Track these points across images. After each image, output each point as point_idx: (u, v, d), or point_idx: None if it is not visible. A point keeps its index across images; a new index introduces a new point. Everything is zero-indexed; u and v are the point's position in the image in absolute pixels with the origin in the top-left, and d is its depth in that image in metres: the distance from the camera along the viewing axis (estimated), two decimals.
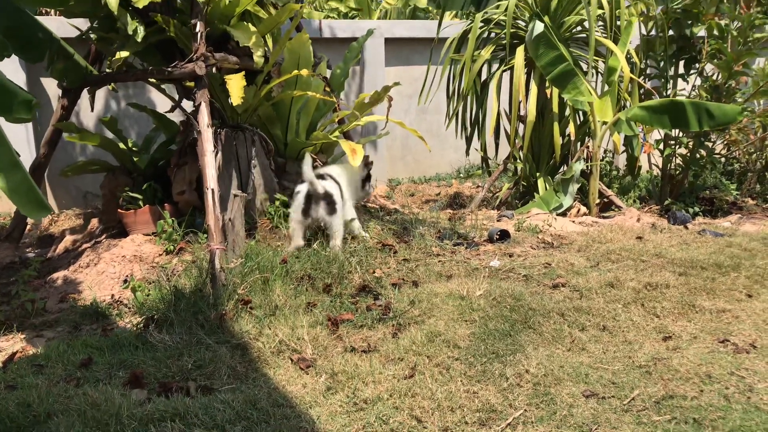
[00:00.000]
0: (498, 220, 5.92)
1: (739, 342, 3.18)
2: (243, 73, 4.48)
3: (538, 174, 6.57)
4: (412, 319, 3.49)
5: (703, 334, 3.28)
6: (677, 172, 6.79)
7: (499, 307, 3.55)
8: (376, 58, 8.11)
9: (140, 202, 4.97)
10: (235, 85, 4.28)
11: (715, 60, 6.36)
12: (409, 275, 4.17)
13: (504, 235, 4.99)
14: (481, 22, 6.58)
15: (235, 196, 4.02)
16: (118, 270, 4.37)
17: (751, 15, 5.82)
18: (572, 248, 4.76)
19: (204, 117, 4.19)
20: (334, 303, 3.69)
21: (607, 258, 4.38)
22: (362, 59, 8.03)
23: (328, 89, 4.92)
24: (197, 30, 4.32)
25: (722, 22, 6.35)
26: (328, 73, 5.95)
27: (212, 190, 4.01)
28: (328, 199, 4.34)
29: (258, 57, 4.40)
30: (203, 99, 4.22)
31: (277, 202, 4.88)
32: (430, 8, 10.12)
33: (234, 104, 4.21)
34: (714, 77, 6.44)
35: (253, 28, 4.57)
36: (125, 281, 4.21)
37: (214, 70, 4.49)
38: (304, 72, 4.69)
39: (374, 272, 4.19)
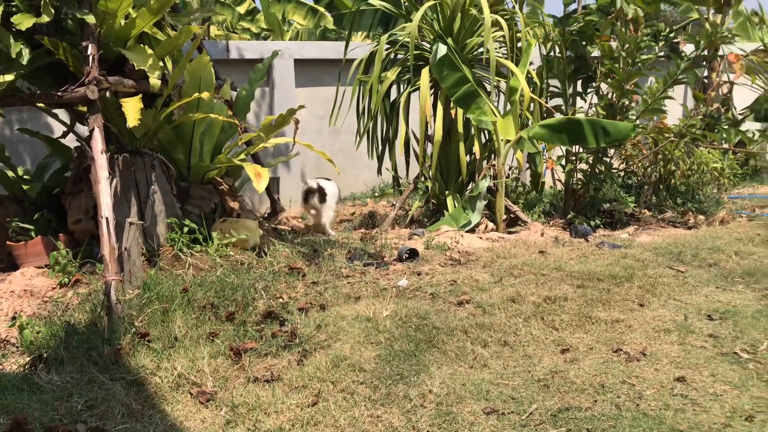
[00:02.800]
0: (409, 239, 5.98)
1: (631, 351, 3.32)
2: (140, 96, 4.33)
3: (447, 192, 6.69)
4: (318, 344, 3.45)
5: (599, 344, 3.41)
6: (579, 187, 7.08)
7: (405, 328, 3.57)
8: (286, 79, 8.06)
9: (32, 233, 4.69)
10: (131, 108, 4.13)
11: (609, 79, 6.71)
12: (317, 298, 4.13)
13: (413, 253, 5.04)
14: (387, 43, 6.68)
15: (131, 224, 3.87)
16: (5, 307, 4.10)
17: (637, 38, 6.18)
18: (478, 264, 4.86)
19: (98, 143, 4.02)
20: (238, 331, 3.60)
21: (510, 273, 4.50)
22: (272, 80, 7.96)
23: (230, 113, 4.83)
24: (89, 53, 4.15)
25: (614, 44, 6.71)
26: (233, 95, 5.87)
27: (107, 218, 3.84)
28: (322, 193, 6.29)
29: (154, 79, 4.27)
30: (97, 124, 4.05)
31: (185, 229, 4.72)
32: (339, 29, 10.19)
33: (130, 126, 4.06)
34: (609, 96, 6.79)
35: (150, 51, 4.44)
36: (13, 318, 3.95)
37: (108, 94, 4.32)
38: (205, 95, 4.59)
39: (281, 297, 4.13)
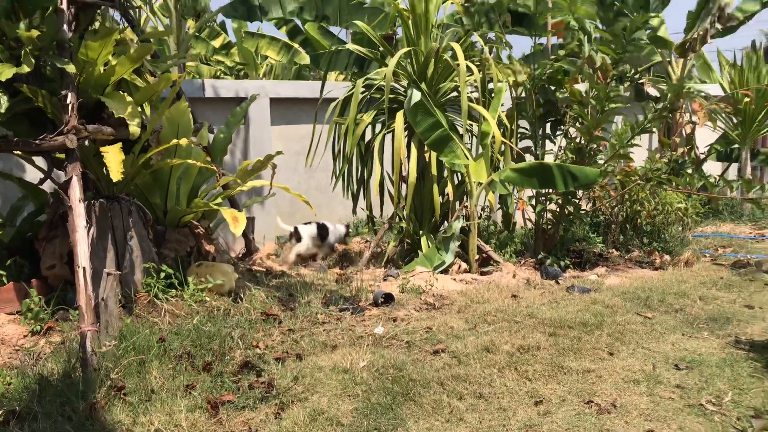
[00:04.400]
0: (384, 280, 6.04)
1: (602, 402, 3.41)
2: (120, 144, 4.36)
3: (421, 232, 6.79)
4: (295, 397, 3.47)
5: (571, 395, 3.49)
6: (549, 227, 7.24)
7: (382, 379, 3.61)
8: (261, 118, 8.13)
9: (3, 278, 4.64)
10: (113, 159, 4.15)
11: (578, 124, 6.93)
12: (294, 347, 4.16)
13: (388, 298, 5.10)
14: (363, 87, 6.81)
15: (109, 274, 3.86)
16: None
17: (606, 86, 6.41)
18: (452, 309, 4.94)
19: (76, 191, 4.02)
20: (215, 383, 3.60)
21: (484, 320, 4.58)
22: (248, 118, 8.01)
23: (208, 158, 4.87)
24: (68, 101, 4.17)
25: (582, 86, 6.94)
26: (210, 137, 5.91)
27: (83, 268, 3.83)
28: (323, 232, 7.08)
29: (134, 127, 4.30)
30: (75, 173, 4.06)
31: (162, 274, 4.71)
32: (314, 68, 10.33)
33: (114, 180, 4.07)
34: (578, 140, 7.00)
35: (129, 98, 4.48)
36: None
37: (86, 142, 4.34)
38: (183, 141, 4.63)
39: (257, 345, 4.14)
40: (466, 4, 8.28)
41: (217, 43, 12.10)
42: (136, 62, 4.52)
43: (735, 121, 10.26)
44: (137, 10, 7.89)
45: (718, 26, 8.88)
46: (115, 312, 3.90)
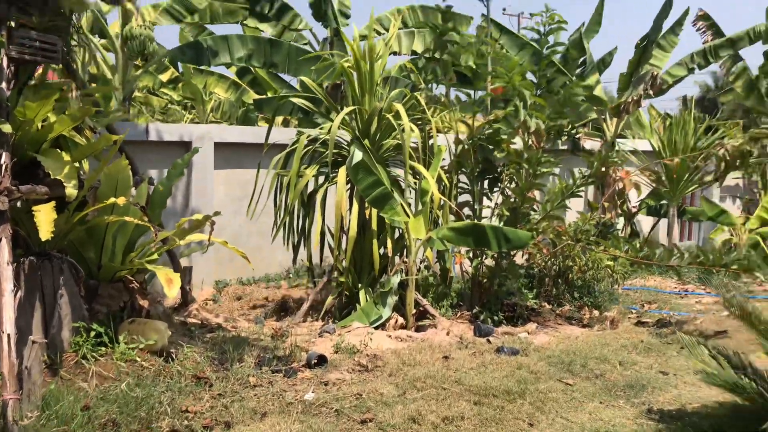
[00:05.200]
0: (320, 336, 6.09)
1: None
2: (53, 203, 4.33)
3: (360, 285, 6.89)
4: None
5: None
6: (485, 281, 7.46)
7: None
8: (204, 162, 8.14)
9: None
10: (44, 219, 4.12)
11: (512, 184, 7.22)
12: (223, 414, 4.17)
13: (321, 359, 5.16)
14: (308, 140, 6.93)
15: (34, 342, 3.81)
16: None
17: (538, 153, 6.72)
18: (385, 372, 5.04)
19: (4, 254, 3.97)
20: None
21: (414, 386, 4.70)
22: (190, 162, 8.00)
23: (145, 218, 4.87)
24: (2, 162, 4.14)
25: (520, 143, 7.22)
26: (150, 189, 5.90)
27: (8, 335, 3.77)
28: None
29: (70, 189, 4.29)
30: (4, 234, 4.02)
31: (92, 333, 4.66)
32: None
33: (42, 239, 4.04)
34: (512, 199, 7.27)
35: (66, 157, 4.47)
36: None
37: (19, 203, 4.30)
38: (121, 200, 4.64)
39: (186, 411, 4.13)
40: (414, 61, 8.57)
41: (164, 77, 12.04)
42: (76, 120, 4.52)
43: (665, 178, 10.82)
44: (82, 49, 7.84)
45: (651, 93, 9.46)
46: (39, 381, 3.84)
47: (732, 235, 10.55)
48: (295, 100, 7.22)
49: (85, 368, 4.47)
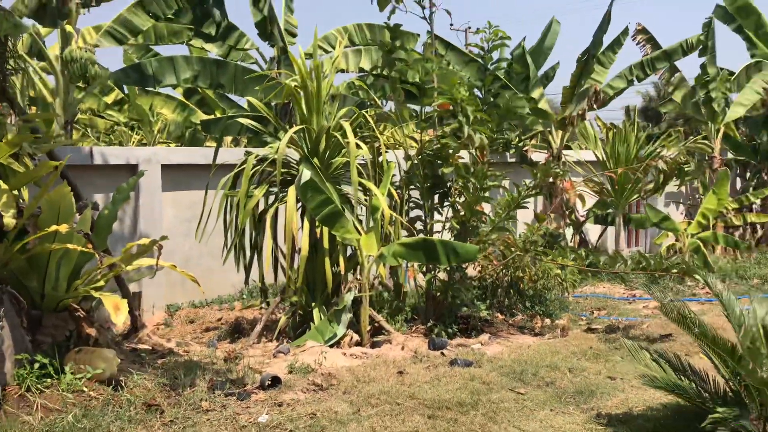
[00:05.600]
0: (274, 356, 6.06)
1: None
2: None
3: (314, 304, 6.88)
4: None
5: None
6: (438, 294, 7.54)
7: None
8: (152, 184, 8.03)
9: None
10: None
11: (461, 198, 7.34)
12: None
13: (275, 381, 5.13)
14: (257, 160, 6.91)
15: None
16: None
17: (483, 167, 6.86)
18: (339, 390, 5.04)
19: None
20: None
21: (368, 402, 4.71)
22: (138, 185, 7.88)
23: (90, 245, 4.77)
24: None
25: (468, 162, 7.36)
26: (95, 215, 5.79)
27: None
28: None
29: (8, 219, 4.19)
30: None
31: (36, 364, 4.52)
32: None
33: None
34: (461, 213, 7.39)
35: (3, 185, 4.36)
36: None
37: None
38: (63, 228, 4.54)
39: None
40: (362, 78, 8.66)
41: (109, 98, 11.85)
42: (14, 148, 4.42)
43: (610, 188, 11.16)
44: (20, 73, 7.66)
45: (594, 106, 9.79)
46: None
47: (676, 240, 10.94)
48: (242, 120, 7.21)
49: (30, 401, 4.34)
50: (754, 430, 3.80)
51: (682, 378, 4.27)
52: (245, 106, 10.37)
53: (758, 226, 13.69)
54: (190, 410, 4.55)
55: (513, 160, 11.59)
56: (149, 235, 7.58)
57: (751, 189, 13.96)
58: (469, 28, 10.27)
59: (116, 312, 4.44)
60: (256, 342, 6.65)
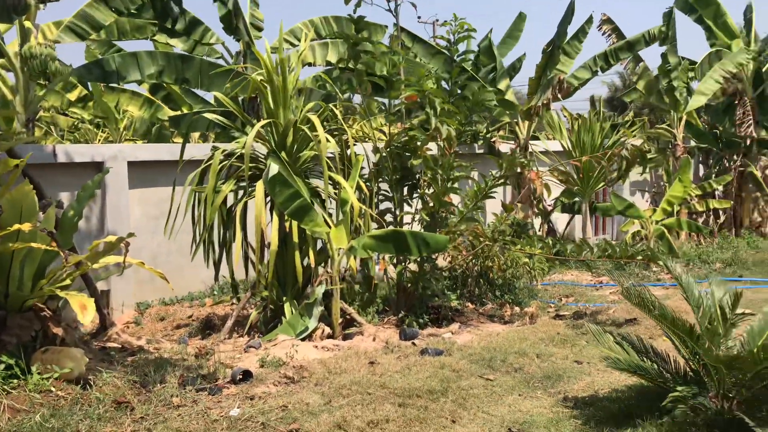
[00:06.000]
0: (246, 351, 6.05)
1: None
2: None
3: (284, 298, 6.88)
4: None
5: None
6: (409, 285, 7.60)
7: None
8: (118, 182, 7.93)
9: None
10: None
11: (430, 189, 7.40)
12: None
13: (247, 374, 5.13)
14: (224, 155, 6.88)
15: None
16: None
17: (450, 159, 6.93)
18: (311, 382, 5.07)
19: None
20: None
21: (340, 393, 4.75)
22: (104, 183, 7.78)
23: (54, 244, 4.71)
24: None
25: (436, 154, 7.42)
26: (59, 213, 5.72)
27: None
28: None
29: None
30: None
31: (1, 366, 4.47)
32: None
33: None
34: (430, 204, 7.46)
35: None
36: None
37: None
38: (26, 227, 4.48)
39: None
40: (328, 72, 8.64)
41: (73, 95, 11.62)
42: None
43: (576, 177, 11.34)
44: None
45: (559, 96, 9.92)
46: None
47: (642, 227, 11.17)
48: (208, 115, 7.16)
49: None
50: (711, 406, 3.94)
51: (645, 359, 4.39)
52: (212, 101, 10.29)
53: (720, 212, 14.04)
54: (161, 406, 4.54)
55: (481, 151, 11.71)
56: (116, 233, 7.51)
57: (713, 176, 14.29)
58: (437, 20, 10.34)
59: (83, 311, 4.40)
60: (227, 337, 6.64)
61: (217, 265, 7.15)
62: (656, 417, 4.10)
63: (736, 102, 13.70)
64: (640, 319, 6.78)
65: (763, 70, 13.52)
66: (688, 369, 4.37)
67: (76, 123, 13.01)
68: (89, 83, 10.57)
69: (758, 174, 13.61)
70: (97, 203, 7.91)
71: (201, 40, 9.78)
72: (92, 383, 4.73)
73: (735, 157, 13.86)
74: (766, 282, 9.18)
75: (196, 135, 13.55)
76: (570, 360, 5.63)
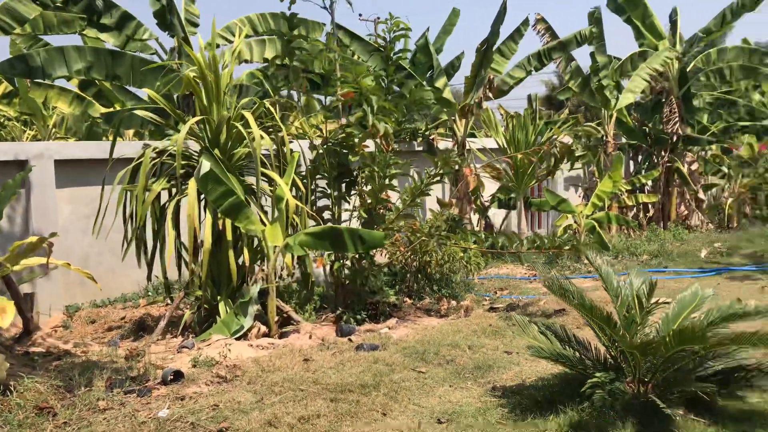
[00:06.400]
0: (179, 351, 5.97)
1: None
2: None
3: (219, 298, 6.81)
4: None
5: None
6: (347, 282, 7.64)
7: None
8: (45, 180, 7.67)
9: None
10: None
11: (367, 186, 7.45)
12: None
13: (178, 375, 5.07)
14: (155, 153, 6.75)
15: None
16: None
17: (386, 156, 7.00)
18: (244, 381, 5.05)
19: None
20: None
21: (272, 390, 4.75)
22: (28, 182, 7.52)
23: None
24: None
25: (374, 151, 7.47)
26: None
27: None
28: None
29: None
30: None
31: None
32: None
33: None
34: (368, 201, 7.51)
35: None
36: None
37: None
38: None
39: None
40: (264, 69, 8.59)
41: None
42: None
43: (511, 173, 11.60)
44: None
45: (490, 95, 10.13)
46: None
47: (575, 221, 11.53)
48: (139, 112, 7.01)
49: None
50: (628, 391, 4.12)
51: (567, 348, 4.56)
52: (147, 98, 10.06)
53: (650, 206, 14.63)
54: (86, 410, 4.44)
55: (420, 148, 11.84)
56: (43, 234, 7.26)
57: (643, 171, 14.87)
58: (378, 18, 10.40)
59: (1, 315, 4.27)
60: (160, 339, 6.53)
61: (149, 265, 7.02)
62: (577, 403, 4.26)
63: (664, 100, 14.30)
64: (568, 310, 7.01)
65: (688, 69, 14.14)
66: (608, 356, 4.56)
67: (1, 120, 12.49)
68: (15, 79, 10.18)
69: (684, 169, 14.24)
70: (21, 203, 7.62)
71: (133, 35, 9.53)
72: (13, 389, 4.59)
73: (663, 153, 14.44)
74: (689, 273, 9.63)
75: (130, 133, 13.20)
76: (500, 351, 5.78)
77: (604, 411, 4.11)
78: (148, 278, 7.09)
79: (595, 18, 12.89)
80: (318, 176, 7.77)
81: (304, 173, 7.66)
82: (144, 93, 10.50)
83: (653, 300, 4.43)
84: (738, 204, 14.65)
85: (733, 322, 4.32)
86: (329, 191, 7.82)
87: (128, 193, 6.91)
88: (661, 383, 4.22)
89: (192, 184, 6.54)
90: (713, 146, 15.98)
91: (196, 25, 10.40)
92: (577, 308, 4.28)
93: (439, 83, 11.15)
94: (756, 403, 4.32)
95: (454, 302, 7.97)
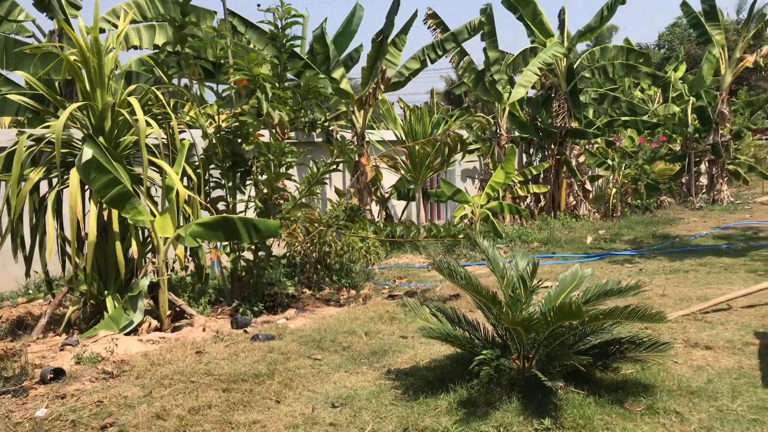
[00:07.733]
0: (61, 349, 5.65)
1: None
2: None
3: (106, 292, 6.50)
4: None
5: None
6: (244, 274, 7.50)
7: None
8: None
9: None
10: None
11: (263, 176, 7.34)
12: None
13: (58, 373, 4.80)
14: (32, 140, 6.33)
15: None
16: None
17: (282, 144, 6.92)
18: (132, 376, 4.85)
19: None
20: None
21: (161, 384, 4.60)
22: None
23: None
24: None
25: (269, 140, 7.36)
26: None
27: None
28: None
29: None
30: None
31: None
32: None
33: None
34: (264, 191, 7.40)
35: None
36: None
37: None
38: None
39: None
40: (154, 55, 8.22)
41: None
42: None
43: (409, 165, 11.80)
44: None
45: (382, 87, 10.24)
46: None
47: (471, 212, 11.90)
48: (13, 97, 6.54)
49: None
50: (513, 366, 4.31)
51: (457, 328, 4.71)
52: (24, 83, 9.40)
53: (541, 196, 15.33)
54: None
55: (320, 139, 11.81)
56: None
57: (534, 163, 15.55)
58: (270, 7, 10.18)
59: None
60: (41, 337, 6.15)
61: (28, 260, 6.58)
62: (467, 381, 4.41)
63: (553, 95, 15.01)
64: (462, 296, 7.24)
65: (575, 66, 14.91)
66: (495, 335, 4.75)
67: None
68: None
69: (572, 161, 15.02)
70: None
71: (7, 15, 8.88)
72: None
73: (552, 146, 15.16)
74: (576, 258, 10.19)
75: (7, 120, 12.32)
76: (396, 336, 5.88)
77: (492, 387, 4.27)
78: (27, 274, 6.65)
79: (487, 15, 13.31)
80: (212, 166, 7.56)
81: (197, 163, 7.44)
82: (21, 78, 9.84)
83: (537, 281, 4.65)
84: (620, 194, 15.63)
85: (609, 298, 4.62)
86: (223, 181, 7.64)
87: (3, 183, 6.45)
88: (544, 358, 4.44)
89: (74, 173, 6.18)
90: (599, 139, 16.99)
91: (78, 7, 9.82)
92: (465, 288, 4.42)
93: (337, 74, 11.14)
94: (629, 373, 4.65)
95: (353, 291, 8.03)
